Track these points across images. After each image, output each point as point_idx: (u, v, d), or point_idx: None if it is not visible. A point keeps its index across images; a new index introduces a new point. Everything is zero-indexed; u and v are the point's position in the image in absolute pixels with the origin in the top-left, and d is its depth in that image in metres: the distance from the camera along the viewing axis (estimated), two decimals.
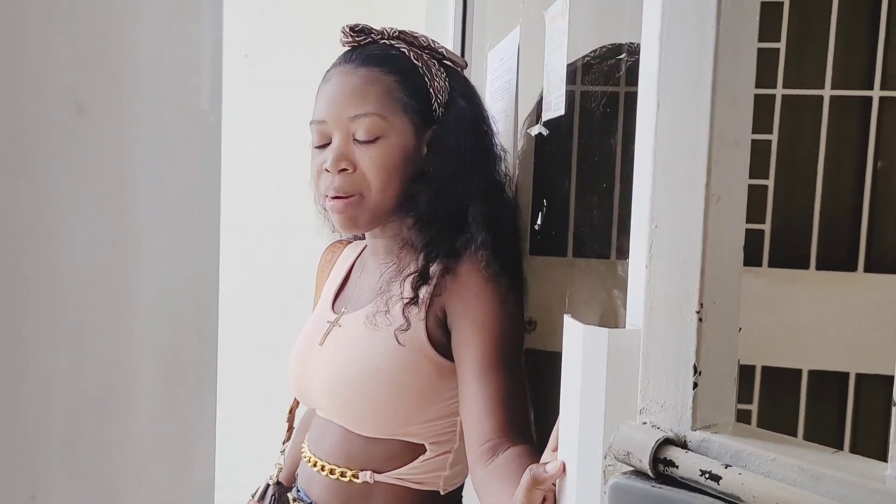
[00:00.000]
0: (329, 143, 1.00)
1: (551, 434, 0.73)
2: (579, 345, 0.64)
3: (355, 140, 0.98)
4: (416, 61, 1.01)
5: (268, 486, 1.20)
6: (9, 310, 0.35)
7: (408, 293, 0.97)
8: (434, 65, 1.02)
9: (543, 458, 0.73)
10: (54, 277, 0.37)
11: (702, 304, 0.52)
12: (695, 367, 0.52)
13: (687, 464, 0.51)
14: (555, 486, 0.70)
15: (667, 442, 0.53)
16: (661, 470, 0.52)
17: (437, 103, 1.01)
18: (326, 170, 0.99)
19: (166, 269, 0.46)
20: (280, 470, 1.21)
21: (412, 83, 1.00)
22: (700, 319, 0.53)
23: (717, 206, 0.53)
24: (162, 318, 0.46)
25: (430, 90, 1.01)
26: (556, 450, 0.71)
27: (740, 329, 0.62)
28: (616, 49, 0.93)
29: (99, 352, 0.40)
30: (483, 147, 1.03)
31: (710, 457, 0.51)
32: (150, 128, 0.43)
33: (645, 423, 0.55)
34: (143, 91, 0.42)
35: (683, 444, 0.53)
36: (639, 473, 0.54)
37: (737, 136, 0.54)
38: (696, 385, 0.53)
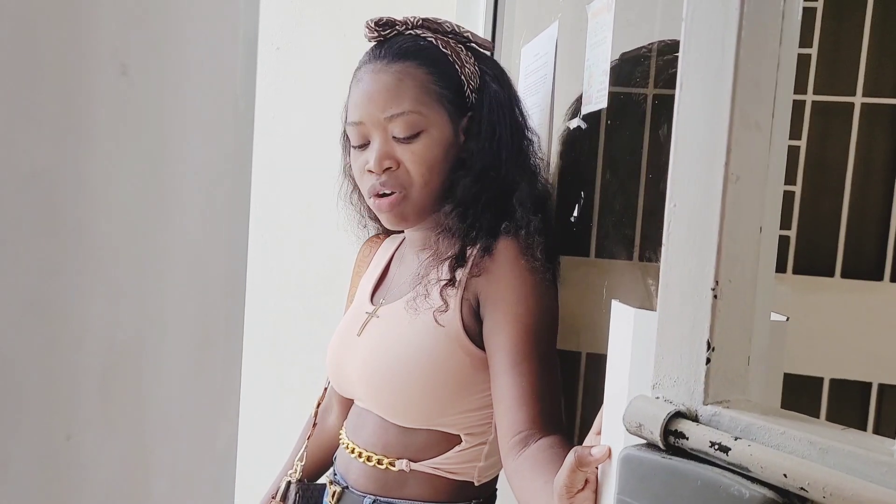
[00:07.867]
0: (368, 143, 1.00)
1: (595, 418, 0.72)
2: (629, 330, 0.64)
3: (395, 138, 0.98)
4: (444, 49, 1.01)
5: (289, 483, 1.19)
6: (49, 260, 0.37)
7: (445, 275, 0.97)
8: (462, 50, 1.02)
9: (587, 441, 0.72)
10: (92, 233, 0.39)
11: (717, 282, 0.53)
12: (708, 343, 0.53)
13: (697, 435, 0.51)
14: (597, 469, 0.70)
15: (678, 415, 0.53)
16: (671, 442, 0.53)
17: (470, 89, 1.01)
18: (370, 170, 0.99)
19: (198, 235, 0.48)
20: (301, 467, 1.20)
21: (444, 73, 1.00)
22: (715, 297, 0.53)
23: (735, 186, 0.53)
24: (193, 284, 0.48)
25: (462, 77, 1.01)
26: (599, 433, 0.70)
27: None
28: (660, 48, 0.94)
29: (133, 307, 0.42)
30: (519, 130, 1.03)
31: (720, 430, 0.51)
32: (188, 98, 0.45)
33: (658, 397, 0.56)
34: (182, 62, 0.44)
35: (695, 418, 0.53)
36: (650, 445, 0.55)
37: (758, 119, 0.55)
38: (708, 360, 0.53)
